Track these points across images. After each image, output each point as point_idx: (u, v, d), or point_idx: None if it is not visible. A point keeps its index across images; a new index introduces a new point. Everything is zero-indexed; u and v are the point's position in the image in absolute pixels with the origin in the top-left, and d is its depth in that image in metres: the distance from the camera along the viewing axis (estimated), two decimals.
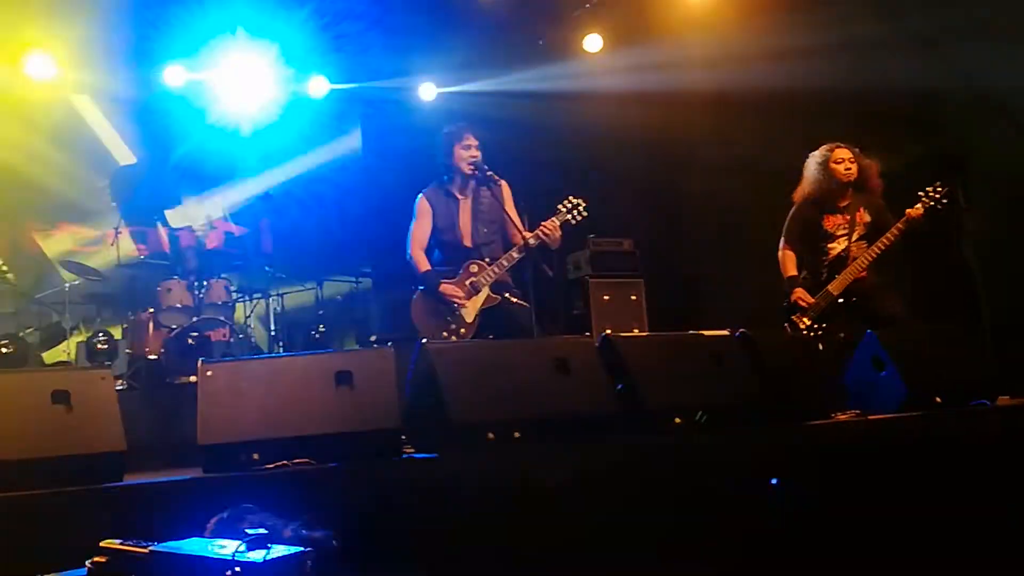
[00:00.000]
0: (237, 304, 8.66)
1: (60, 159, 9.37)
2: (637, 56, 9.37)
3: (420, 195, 6.66)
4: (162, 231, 9.10)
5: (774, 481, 4.19)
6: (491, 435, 4.56)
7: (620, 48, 9.71)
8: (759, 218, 7.42)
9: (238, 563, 2.59)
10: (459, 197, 6.61)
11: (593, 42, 9.85)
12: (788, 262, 6.87)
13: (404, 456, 4.58)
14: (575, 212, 6.48)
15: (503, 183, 6.60)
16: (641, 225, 9.64)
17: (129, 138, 9.97)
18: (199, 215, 9.62)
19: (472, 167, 6.51)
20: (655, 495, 4.44)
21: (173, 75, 9.41)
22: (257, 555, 2.62)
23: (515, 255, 6.35)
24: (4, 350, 7.68)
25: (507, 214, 6.51)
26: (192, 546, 2.81)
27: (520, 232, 6.37)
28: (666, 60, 9.15)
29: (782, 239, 6.91)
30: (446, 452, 4.50)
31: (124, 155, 9.91)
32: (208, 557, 2.67)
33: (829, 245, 6.77)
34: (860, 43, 7.81)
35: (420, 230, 6.58)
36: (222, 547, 2.72)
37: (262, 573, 2.57)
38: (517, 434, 4.59)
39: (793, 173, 6.94)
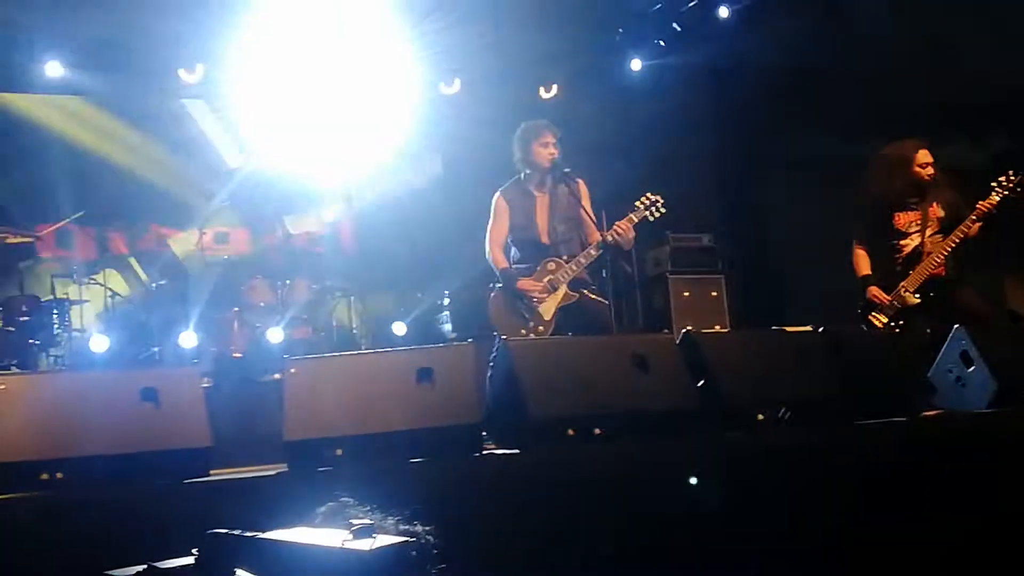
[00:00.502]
0: (319, 302, 8.75)
1: (174, 162, 9.60)
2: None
3: (497, 194, 6.66)
4: (245, 232, 9.25)
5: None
6: (571, 431, 4.56)
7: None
8: (840, 211, 7.29)
9: (347, 552, 2.63)
10: (536, 194, 6.59)
11: None
12: (861, 261, 6.75)
13: (485, 452, 4.59)
14: (653, 209, 6.41)
15: (580, 181, 6.54)
16: (721, 220, 9.55)
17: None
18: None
19: (550, 164, 6.49)
20: (737, 493, 4.40)
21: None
22: (363, 544, 2.66)
23: (592, 252, 6.31)
24: None
25: (584, 212, 6.47)
26: (299, 537, 2.87)
27: (596, 231, 6.34)
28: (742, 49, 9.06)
29: (853, 239, 6.80)
30: (527, 448, 4.51)
31: (235, 159, 10.07)
32: (318, 547, 2.72)
33: (902, 242, 6.64)
34: (944, 33, 7.65)
35: (497, 229, 6.58)
36: (329, 536, 2.77)
37: (368, 561, 2.61)
38: (598, 430, 4.59)
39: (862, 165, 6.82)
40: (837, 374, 5.08)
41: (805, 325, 5.40)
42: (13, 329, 7.52)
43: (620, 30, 9.97)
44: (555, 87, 9.93)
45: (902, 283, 6.50)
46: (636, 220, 6.35)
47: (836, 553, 4.29)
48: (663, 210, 6.42)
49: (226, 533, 2.93)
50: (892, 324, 6.48)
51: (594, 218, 6.43)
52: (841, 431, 4.82)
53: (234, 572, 2.81)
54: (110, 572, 2.93)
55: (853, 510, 4.38)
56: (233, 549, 2.90)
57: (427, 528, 2.78)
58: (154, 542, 3.04)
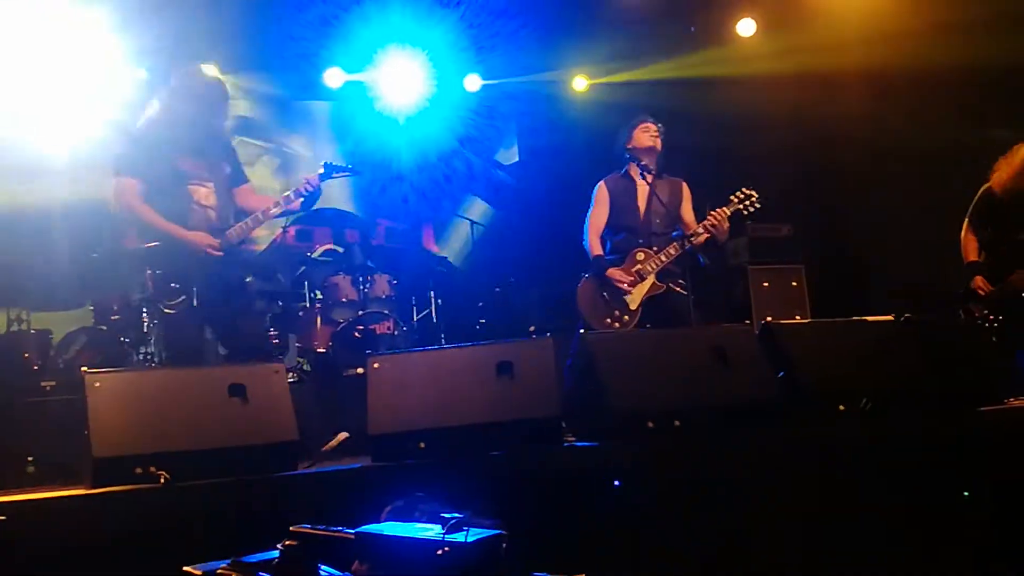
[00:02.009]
0: (399, 297, 8.84)
1: None
2: (792, 38, 9.19)
3: (600, 183, 6.76)
4: (327, 229, 9.36)
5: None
6: (651, 423, 4.57)
7: (774, 31, 9.54)
8: (920, 199, 7.18)
9: (447, 543, 2.70)
10: (638, 182, 6.65)
11: (746, 27, 9.70)
12: (970, 247, 6.60)
13: (565, 444, 4.62)
14: (747, 204, 6.39)
15: (684, 184, 6.68)
16: (800, 210, 9.44)
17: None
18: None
19: (652, 152, 6.59)
20: (818, 484, 4.38)
21: (332, 77, 9.70)
22: (459, 537, 2.73)
23: (684, 244, 6.32)
24: None
25: (682, 213, 6.60)
26: (395, 529, 2.94)
27: (690, 229, 6.41)
28: (821, 41, 8.94)
29: (966, 222, 6.65)
30: (606, 440, 4.53)
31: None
32: (418, 538, 2.79)
33: (1019, 237, 6.49)
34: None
35: (597, 216, 6.67)
36: (426, 529, 2.84)
37: (468, 551, 2.70)
38: (677, 422, 4.59)
39: (954, 152, 6.68)
40: (919, 363, 5.02)
41: (887, 315, 5.33)
42: (105, 328, 7.71)
43: (691, 29, 9.92)
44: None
45: (1010, 277, 6.36)
46: (729, 213, 6.35)
47: (919, 541, 4.24)
48: (758, 205, 6.40)
49: (309, 529, 3.01)
50: (991, 315, 6.33)
51: (693, 222, 6.51)
52: (924, 421, 4.75)
53: (317, 567, 2.89)
54: (190, 568, 3.03)
55: (935, 499, 4.33)
56: (320, 545, 2.98)
57: (496, 523, 2.84)
58: (243, 535, 3.14)
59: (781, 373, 4.88)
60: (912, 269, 8.21)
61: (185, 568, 3.04)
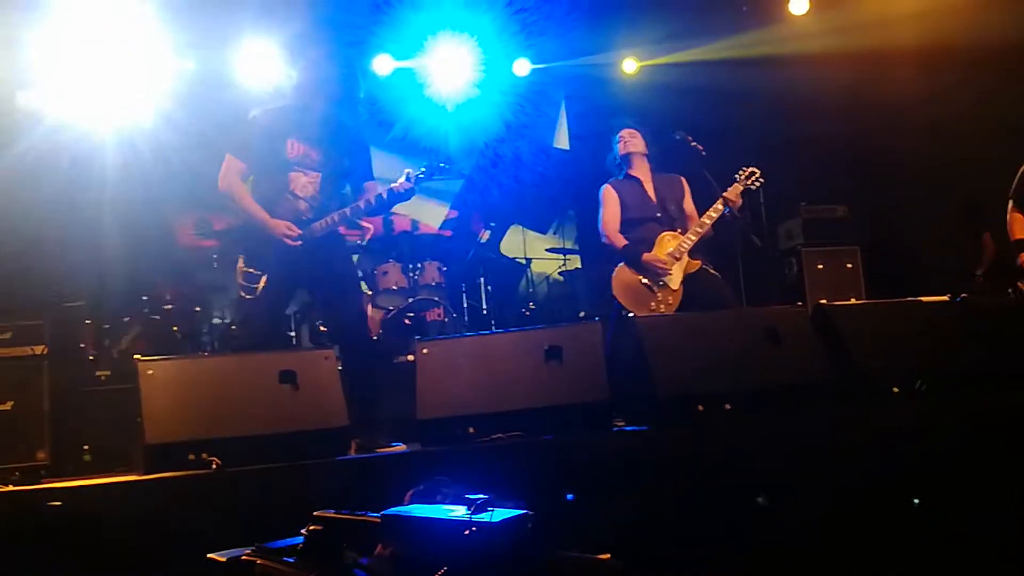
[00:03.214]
0: (449, 284, 8.89)
1: None
2: (845, 15, 9.08)
3: (605, 185, 6.83)
4: (377, 217, 9.44)
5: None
6: (701, 407, 4.57)
7: (827, 8, 9.43)
8: (978, 178, 7.07)
9: (475, 523, 2.73)
10: (641, 177, 6.74)
11: (799, 4, 9.59)
12: (1016, 224, 6.49)
13: (614, 429, 4.64)
14: (751, 180, 6.53)
15: (682, 179, 6.78)
16: (855, 191, 9.33)
17: None
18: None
19: (641, 151, 6.74)
20: (871, 467, 4.35)
21: (381, 64, 9.75)
22: (485, 517, 2.77)
23: (707, 222, 6.41)
24: None
25: (684, 207, 6.68)
26: (422, 511, 2.97)
27: (693, 220, 6.54)
28: (875, 17, 8.83)
29: (1011, 201, 6.56)
30: (656, 425, 4.54)
31: None
32: (446, 519, 2.82)
33: None
34: None
35: (610, 214, 6.70)
36: (452, 511, 2.87)
37: (495, 531, 2.72)
38: (728, 406, 4.59)
39: (1012, 130, 6.57)
40: (975, 344, 4.97)
41: (943, 295, 5.27)
42: (158, 318, 7.85)
43: (744, 8, 9.84)
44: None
45: None
46: (740, 189, 6.46)
47: (980, 523, 4.20)
48: (761, 180, 6.54)
49: (333, 514, 3.05)
50: None
51: (695, 215, 6.61)
52: (981, 402, 4.70)
53: (341, 552, 2.94)
54: (214, 555, 3.08)
55: (995, 481, 4.29)
56: (346, 529, 3.02)
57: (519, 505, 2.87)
58: (294, 520, 3.19)
59: (834, 354, 4.86)
60: (969, 250, 8.08)
61: (209, 555, 3.10)
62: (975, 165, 7.86)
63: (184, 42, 8.67)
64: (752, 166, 6.58)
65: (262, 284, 5.46)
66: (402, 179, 5.55)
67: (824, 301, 5.32)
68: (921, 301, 5.22)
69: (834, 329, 4.95)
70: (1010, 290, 6.34)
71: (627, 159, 6.77)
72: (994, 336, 4.99)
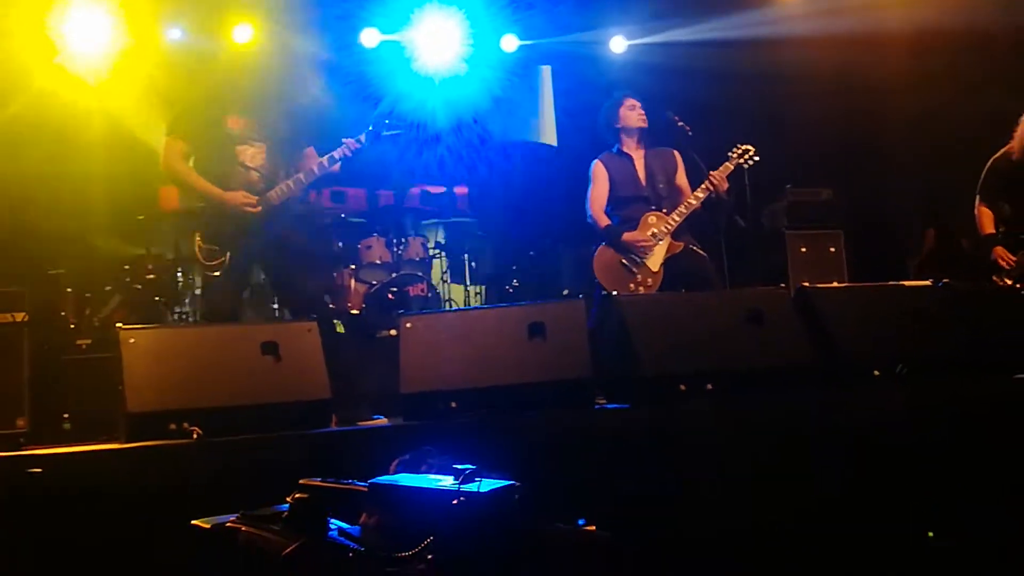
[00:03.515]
0: (434, 260, 8.88)
1: None
2: None
3: (595, 161, 6.83)
4: (361, 191, 9.40)
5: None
6: (683, 387, 4.60)
7: None
8: (964, 166, 7.09)
9: (463, 493, 2.74)
10: (632, 154, 6.75)
11: None
12: (985, 219, 6.57)
13: (596, 407, 4.65)
14: (745, 157, 6.51)
15: (675, 152, 6.76)
16: (841, 174, 9.35)
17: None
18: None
19: (640, 124, 6.70)
20: (853, 449, 4.38)
21: (368, 37, 9.70)
22: (473, 487, 2.78)
23: (692, 202, 6.42)
24: None
25: (677, 182, 6.68)
26: (409, 480, 2.98)
27: (687, 195, 6.52)
28: (865, 0, 8.83)
29: (978, 196, 6.61)
30: (638, 403, 4.56)
31: None
32: (434, 488, 2.83)
33: None
34: None
35: (598, 192, 6.72)
36: (439, 481, 2.88)
37: (483, 501, 2.73)
38: (710, 386, 4.61)
39: (998, 117, 6.59)
40: (957, 330, 5.00)
41: (925, 280, 5.30)
42: (140, 287, 7.82)
43: None
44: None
45: None
46: (732, 168, 6.44)
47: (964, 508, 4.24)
48: (756, 159, 6.52)
49: (319, 482, 3.06)
50: (1017, 286, 6.28)
51: (688, 189, 6.59)
52: (960, 387, 4.73)
53: (327, 520, 2.94)
54: (198, 521, 3.08)
55: (972, 466, 4.32)
56: (332, 497, 3.03)
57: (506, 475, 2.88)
58: (275, 490, 3.19)
59: (816, 336, 4.88)
60: (961, 234, 8.12)
61: (194, 521, 3.10)
62: (959, 152, 7.88)
63: (168, 10, 8.63)
64: (746, 143, 6.54)
65: (226, 260, 5.49)
66: (350, 140, 5.64)
67: (807, 284, 5.32)
68: (903, 285, 5.27)
69: (816, 312, 4.97)
70: (992, 278, 6.39)
71: (624, 131, 6.74)
72: (975, 322, 5.02)
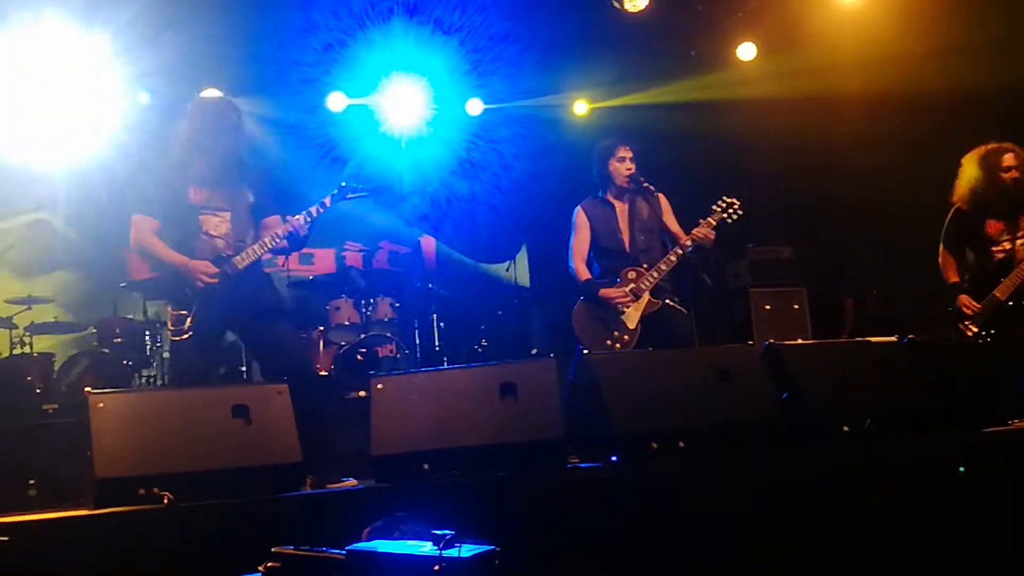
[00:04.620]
0: (401, 320, 8.84)
1: None
2: (790, 62, 9.22)
3: (578, 208, 6.72)
4: (329, 252, 9.37)
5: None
6: (655, 445, 4.55)
7: (773, 55, 9.57)
8: (921, 221, 7.17)
9: (445, 559, 2.68)
10: (616, 204, 6.64)
11: (746, 51, 9.71)
12: (949, 268, 6.61)
13: (568, 466, 4.60)
14: (730, 211, 6.43)
15: (660, 196, 6.61)
16: (803, 232, 9.44)
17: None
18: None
19: (628, 179, 6.55)
20: (823, 504, 4.35)
21: (335, 102, 9.72)
22: (454, 552, 2.72)
23: (672, 259, 6.32)
24: None
25: (666, 225, 6.53)
26: (387, 547, 2.91)
27: (681, 238, 6.38)
28: (819, 65, 8.97)
29: (941, 245, 6.66)
30: (610, 462, 4.51)
31: None
32: (414, 555, 2.77)
33: (993, 248, 6.44)
34: (1021, 40, 7.47)
35: (579, 242, 6.63)
36: (418, 546, 2.82)
37: (465, 567, 2.68)
38: (682, 443, 4.57)
39: (951, 175, 6.67)
40: (923, 384, 5.01)
41: (890, 336, 5.31)
42: (108, 351, 7.72)
43: (692, 52, 9.95)
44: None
45: (994, 291, 6.35)
46: (715, 223, 6.37)
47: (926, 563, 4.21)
48: (740, 212, 6.44)
49: (293, 550, 2.98)
50: (983, 333, 6.32)
51: (679, 231, 6.48)
52: (928, 442, 4.73)
53: None
54: None
55: (942, 520, 4.31)
56: (305, 566, 2.95)
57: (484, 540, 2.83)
58: (246, 556, 3.11)
59: (785, 394, 4.86)
60: (913, 291, 8.19)
61: None
62: (912, 209, 7.97)
63: (137, 76, 8.62)
64: (733, 197, 6.47)
65: (188, 324, 5.44)
66: (316, 205, 5.63)
67: (773, 340, 5.32)
68: (869, 341, 5.26)
69: (785, 368, 4.96)
70: (952, 332, 6.42)
71: (614, 182, 6.62)
72: (941, 376, 5.03)
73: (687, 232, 6.41)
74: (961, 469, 4.47)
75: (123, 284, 8.36)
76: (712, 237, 6.34)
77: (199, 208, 5.59)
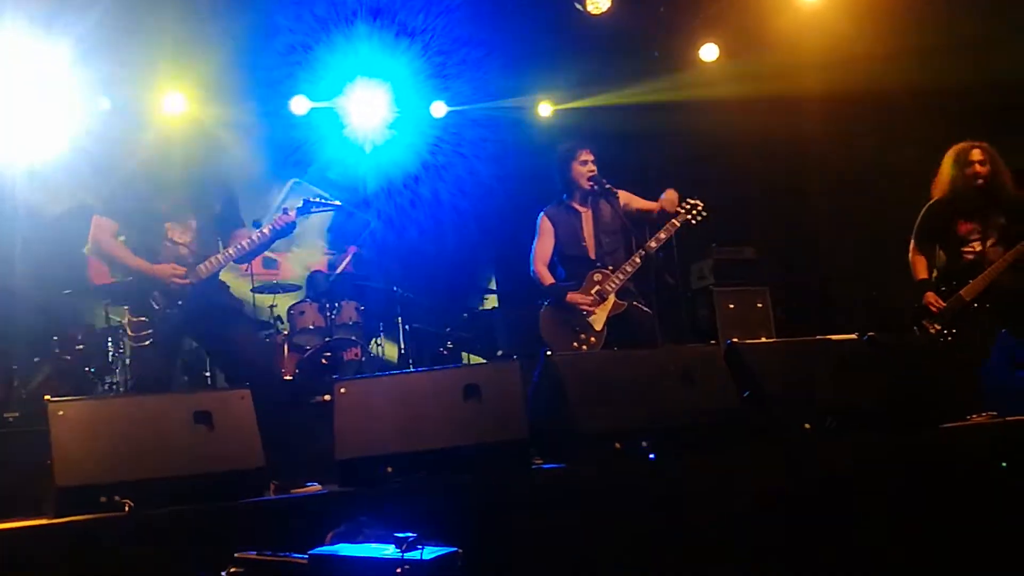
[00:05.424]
0: (366, 324, 8.81)
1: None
2: (753, 63, 9.28)
3: (541, 214, 6.75)
4: (293, 256, 9.34)
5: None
6: (618, 444, 4.57)
7: (736, 56, 9.63)
8: (884, 220, 7.24)
9: (407, 561, 2.68)
10: (580, 210, 6.68)
11: (709, 52, 9.77)
12: (919, 265, 6.66)
13: (532, 467, 4.61)
14: (694, 213, 6.49)
15: (620, 192, 6.66)
16: (764, 232, 9.50)
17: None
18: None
19: (590, 182, 6.59)
20: (785, 502, 4.38)
21: (298, 105, 9.69)
22: (416, 555, 2.72)
23: (637, 260, 6.38)
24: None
25: (635, 211, 6.64)
26: (350, 550, 2.91)
27: (653, 208, 6.52)
28: (781, 66, 9.04)
29: (912, 241, 6.71)
30: (574, 462, 4.52)
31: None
32: (376, 558, 2.77)
33: (963, 249, 6.53)
34: (980, 39, 7.54)
35: (542, 247, 6.66)
36: (381, 550, 2.82)
37: (427, 569, 2.68)
38: (645, 443, 4.59)
39: (916, 173, 6.74)
40: (884, 382, 5.04)
41: (851, 333, 5.35)
42: (70, 358, 7.65)
43: (655, 54, 9.99)
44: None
45: (961, 290, 6.42)
46: (679, 224, 6.41)
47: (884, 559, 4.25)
48: (704, 214, 6.51)
49: (255, 555, 2.97)
50: (946, 332, 6.38)
51: (650, 204, 6.61)
52: (889, 438, 4.77)
53: None
54: None
55: (902, 517, 4.35)
56: (268, 571, 2.95)
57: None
58: (209, 562, 3.10)
59: (747, 392, 4.89)
60: (875, 289, 8.27)
61: None
62: (878, 207, 8.05)
63: (98, 81, 8.57)
64: (697, 199, 6.54)
65: (148, 330, 5.47)
66: (278, 214, 5.67)
67: (735, 339, 5.35)
68: (831, 339, 5.30)
69: (747, 367, 4.98)
70: (915, 328, 6.49)
71: (574, 185, 6.68)
72: (901, 374, 5.07)
73: (654, 213, 6.52)
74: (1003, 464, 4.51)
75: (67, 292, 8.28)
76: (661, 241, 6.39)
77: (166, 216, 5.60)
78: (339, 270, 9.09)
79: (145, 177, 5.66)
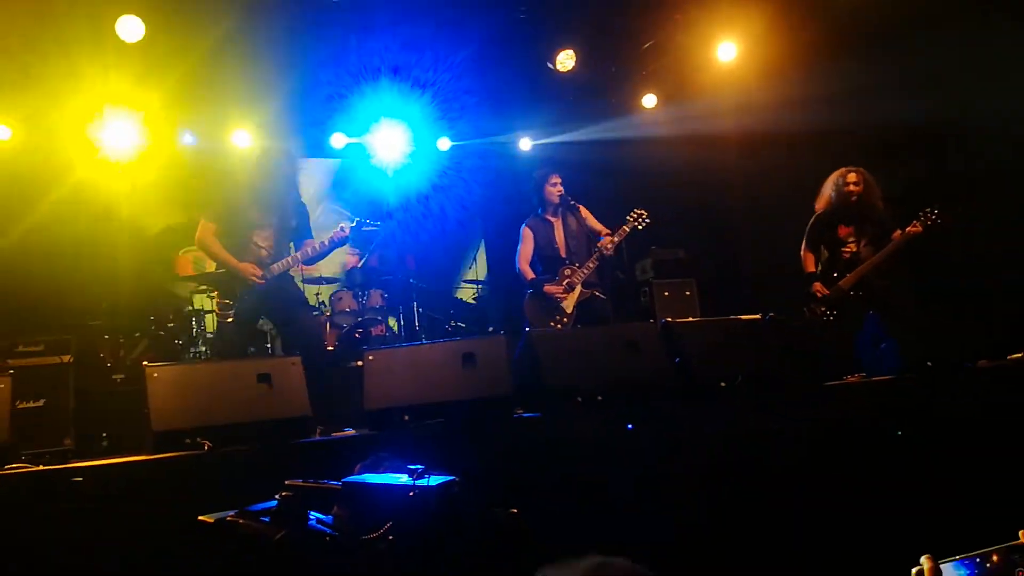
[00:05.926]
0: (389, 308, 8.80)
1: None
2: (683, 108, 9.31)
3: (524, 225, 6.86)
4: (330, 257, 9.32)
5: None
6: (579, 398, 4.60)
7: (670, 103, 9.64)
8: (786, 228, 7.26)
9: (416, 487, 2.71)
10: (552, 221, 6.77)
11: (649, 100, 9.78)
12: (808, 261, 6.70)
13: (515, 416, 4.64)
14: (640, 220, 6.57)
15: (581, 207, 6.80)
16: (692, 237, 9.53)
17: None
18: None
19: (559, 199, 6.67)
20: (705, 441, 4.41)
21: (337, 140, 9.68)
22: (424, 482, 2.75)
23: (596, 259, 6.50)
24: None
25: (591, 229, 6.69)
26: (373, 479, 2.93)
27: (604, 232, 6.55)
28: (706, 110, 9.07)
29: (804, 243, 6.76)
30: (546, 412, 4.56)
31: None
32: (393, 484, 2.79)
33: (843, 249, 6.55)
34: (869, 86, 7.55)
35: (525, 250, 6.77)
36: (397, 478, 2.84)
37: (432, 493, 2.71)
38: (600, 397, 4.62)
39: (813, 192, 6.79)
40: (781, 350, 5.09)
41: (756, 314, 5.39)
42: (163, 333, 7.65)
43: (612, 101, 9.97)
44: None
45: (840, 281, 6.46)
46: (627, 231, 6.46)
47: (778, 499, 4.25)
48: (648, 221, 6.57)
49: (302, 482, 3.00)
50: (828, 313, 6.43)
51: (601, 227, 6.66)
52: (784, 393, 4.81)
53: (308, 513, 2.89)
54: (204, 516, 3.00)
55: (793, 453, 4.37)
56: (314, 494, 2.97)
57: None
58: (270, 490, 3.12)
59: (677, 359, 4.92)
60: (776, 279, 8.28)
61: (200, 517, 3.01)
62: (781, 218, 8.06)
63: (183, 121, 8.58)
64: (642, 209, 6.60)
65: (232, 311, 5.57)
66: (337, 229, 5.74)
67: (669, 319, 5.38)
68: (741, 318, 5.33)
69: (677, 340, 5.02)
70: (805, 310, 6.53)
71: (547, 202, 6.74)
72: (793, 344, 5.12)
73: (607, 227, 6.58)
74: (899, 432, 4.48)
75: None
76: (611, 249, 6.44)
77: (254, 224, 5.71)
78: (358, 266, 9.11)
79: (242, 194, 5.75)
